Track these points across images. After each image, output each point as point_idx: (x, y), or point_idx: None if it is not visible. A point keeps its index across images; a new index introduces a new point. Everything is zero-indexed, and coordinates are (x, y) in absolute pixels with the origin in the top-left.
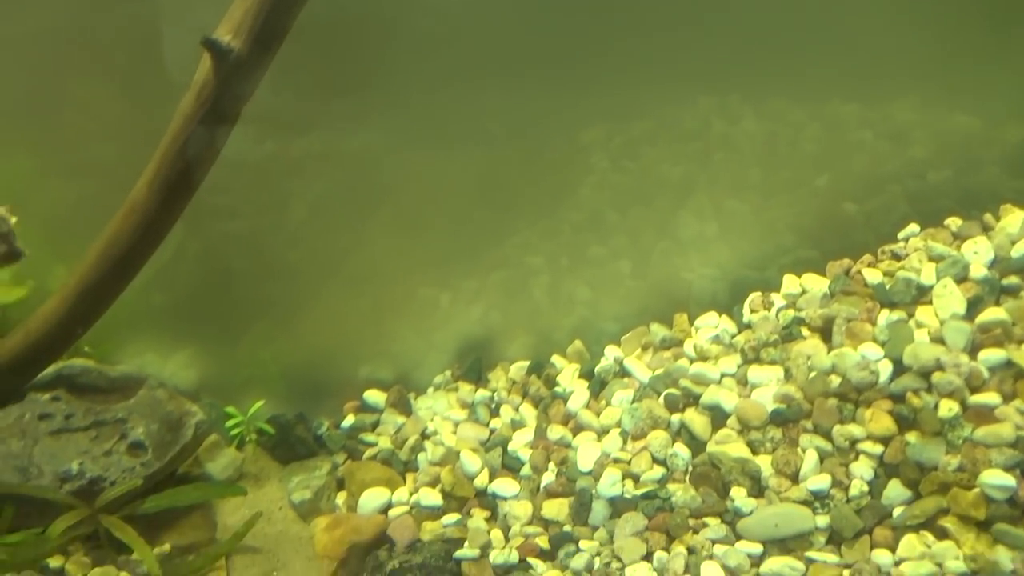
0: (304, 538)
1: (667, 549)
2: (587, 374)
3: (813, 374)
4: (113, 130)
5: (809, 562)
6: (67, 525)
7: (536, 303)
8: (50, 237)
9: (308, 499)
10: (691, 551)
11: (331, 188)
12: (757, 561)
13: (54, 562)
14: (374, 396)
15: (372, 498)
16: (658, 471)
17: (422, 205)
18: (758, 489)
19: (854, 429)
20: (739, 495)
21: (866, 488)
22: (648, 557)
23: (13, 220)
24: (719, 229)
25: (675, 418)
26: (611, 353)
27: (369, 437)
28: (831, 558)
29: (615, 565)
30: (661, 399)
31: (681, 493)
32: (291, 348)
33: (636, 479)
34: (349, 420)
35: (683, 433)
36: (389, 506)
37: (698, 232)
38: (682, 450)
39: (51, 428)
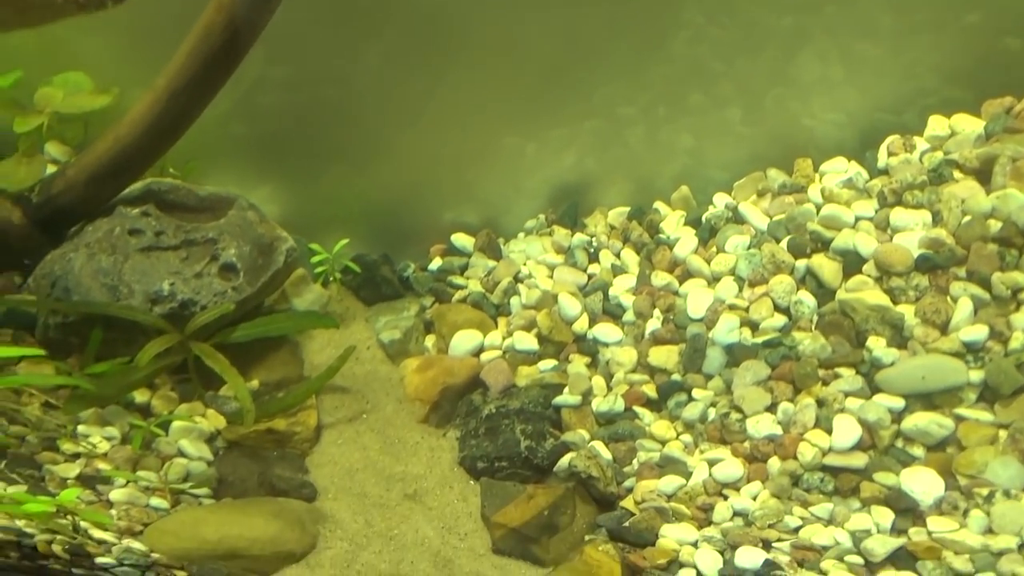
0: (394, 379)
1: (792, 400)
2: (694, 221)
3: (968, 218)
4: None
5: (959, 419)
6: (157, 351)
7: (633, 151)
8: (135, 43)
9: (397, 339)
10: (821, 403)
11: (414, 37)
12: (898, 416)
13: (140, 396)
14: (461, 240)
15: (464, 340)
16: (779, 319)
17: (506, 57)
18: (900, 339)
19: (1019, 277)
20: (877, 345)
21: None
22: (772, 408)
23: None
24: (845, 73)
25: (800, 264)
26: (721, 200)
27: (458, 280)
28: (984, 416)
29: (734, 416)
30: (784, 244)
31: (809, 342)
32: (373, 190)
33: (755, 327)
34: (436, 263)
35: (809, 280)
36: (481, 349)
37: (820, 77)
38: (807, 298)
39: (141, 245)
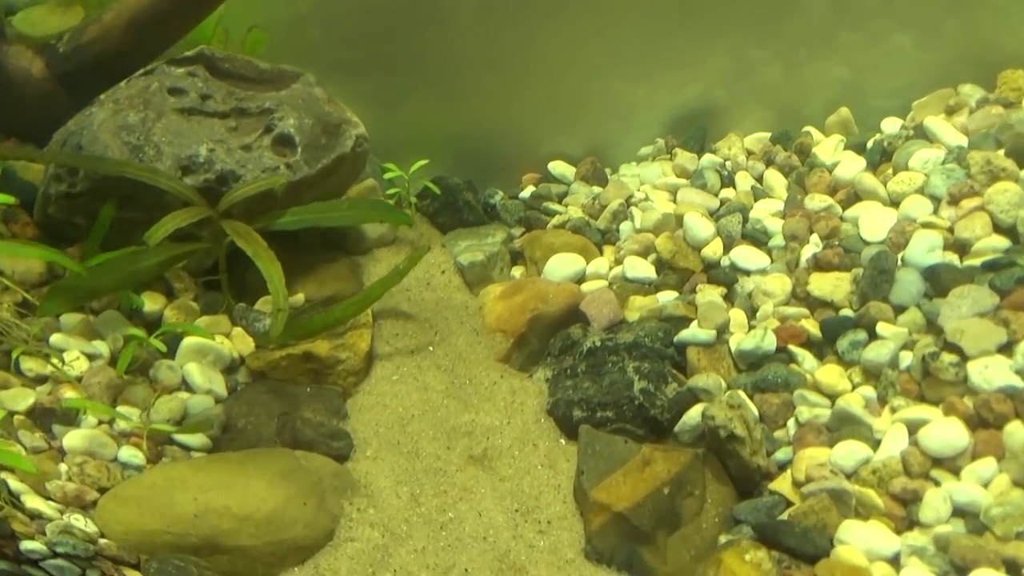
0: (471, 309)
1: None
2: (856, 146)
3: None
4: None
5: None
6: (176, 226)
7: (771, 83)
8: None
9: (479, 261)
10: None
11: None
12: None
13: (151, 303)
14: (560, 168)
15: (561, 264)
16: (1000, 240)
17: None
18: None
19: None
20: None
21: None
22: (1008, 348)
23: None
24: None
25: None
26: (890, 125)
27: (555, 206)
28: None
29: (947, 359)
30: (1002, 151)
31: None
32: (462, 119)
33: (965, 248)
34: (529, 191)
35: None
36: (582, 278)
37: None
38: None
39: (182, 105)
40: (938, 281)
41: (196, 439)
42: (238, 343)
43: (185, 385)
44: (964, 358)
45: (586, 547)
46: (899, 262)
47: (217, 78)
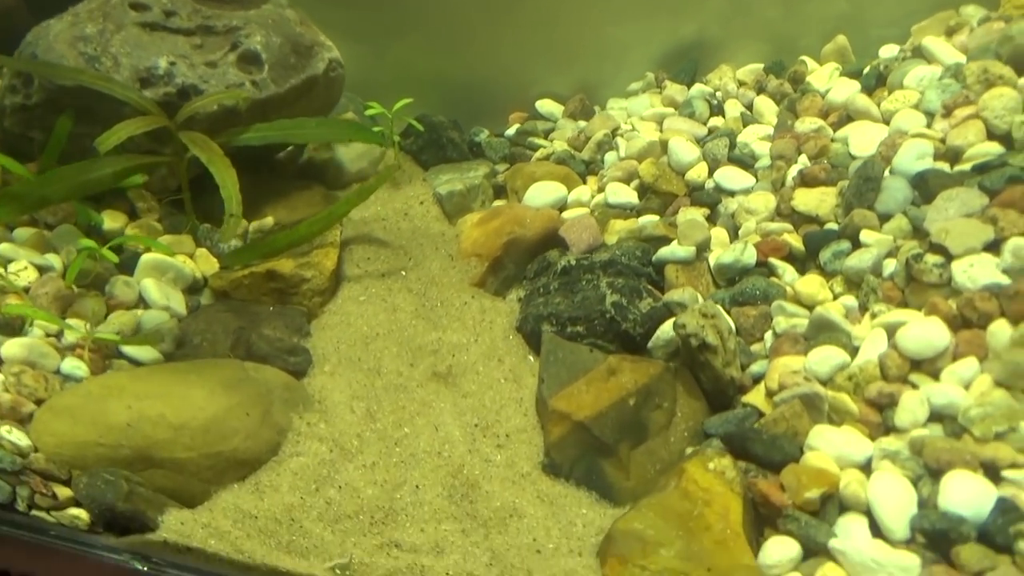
0: (447, 236)
1: None
2: (853, 73)
3: None
4: None
5: None
6: (129, 132)
7: (767, 16)
8: None
9: (458, 191)
10: None
11: None
12: None
13: (112, 221)
14: (548, 106)
15: (542, 191)
16: (994, 146)
17: None
18: None
19: None
20: None
21: None
22: (995, 247)
23: None
24: None
25: None
26: (888, 51)
27: (540, 141)
28: None
29: (931, 260)
30: (1001, 60)
31: None
32: (449, 59)
33: (957, 155)
34: (515, 128)
35: None
36: (564, 206)
37: None
38: None
39: (143, 19)
40: (926, 187)
41: (144, 352)
42: (202, 264)
43: (142, 302)
44: (949, 258)
45: (544, 460)
46: (889, 170)
47: None
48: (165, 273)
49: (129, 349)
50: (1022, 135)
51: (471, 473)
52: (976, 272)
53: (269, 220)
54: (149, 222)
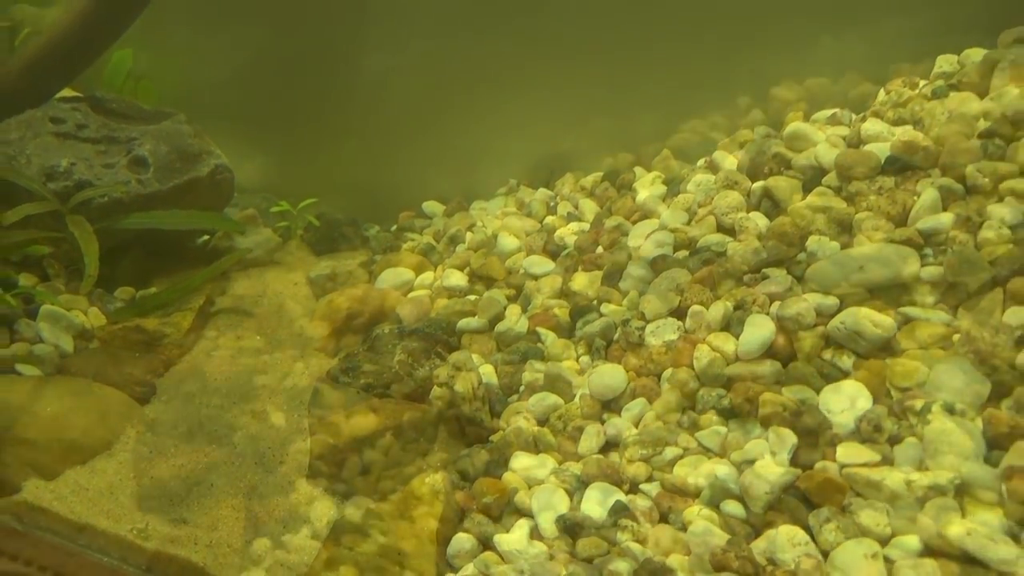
0: (307, 311)
1: (706, 304)
2: (670, 180)
3: (951, 122)
4: None
5: (904, 321)
6: (28, 212)
7: (610, 131)
8: None
9: (326, 275)
10: (740, 306)
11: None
12: (828, 314)
13: (25, 280)
14: (432, 206)
15: (392, 276)
16: (721, 238)
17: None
18: (847, 238)
19: (1003, 167)
20: (817, 242)
21: (1007, 232)
22: (679, 313)
23: None
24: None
25: (757, 186)
26: (702, 161)
27: (414, 235)
28: (938, 315)
29: (635, 324)
30: (744, 169)
31: (740, 248)
32: (353, 166)
33: (693, 245)
34: (395, 225)
35: (764, 203)
36: (411, 288)
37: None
38: (759, 218)
39: (58, 130)
40: (655, 269)
41: (29, 370)
42: (92, 318)
43: (40, 339)
44: (646, 321)
45: (308, 472)
46: (633, 257)
47: (99, 114)
48: (59, 321)
49: (20, 366)
50: (740, 227)
51: (252, 479)
52: (660, 332)
53: (152, 289)
54: (55, 284)
